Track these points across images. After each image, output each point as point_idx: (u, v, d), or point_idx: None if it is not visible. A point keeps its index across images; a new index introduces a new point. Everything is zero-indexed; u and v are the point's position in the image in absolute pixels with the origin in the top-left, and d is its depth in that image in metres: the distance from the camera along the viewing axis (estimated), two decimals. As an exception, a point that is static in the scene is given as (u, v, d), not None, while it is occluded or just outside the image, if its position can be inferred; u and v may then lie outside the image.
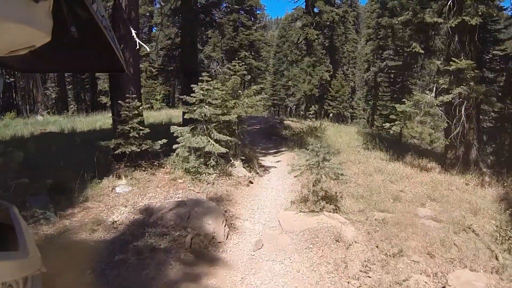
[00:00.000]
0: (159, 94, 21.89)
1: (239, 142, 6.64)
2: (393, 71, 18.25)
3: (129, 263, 3.30)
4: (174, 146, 5.93)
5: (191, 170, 5.66)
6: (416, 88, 16.10)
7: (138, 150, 5.53)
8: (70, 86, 26.97)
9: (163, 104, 21.69)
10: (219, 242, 3.92)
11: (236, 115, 6.32)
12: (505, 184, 7.10)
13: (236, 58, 8.35)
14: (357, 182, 6.35)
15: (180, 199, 4.79)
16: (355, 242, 3.97)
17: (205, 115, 5.79)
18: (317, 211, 4.61)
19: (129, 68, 5.89)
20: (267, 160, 8.14)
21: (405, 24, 9.31)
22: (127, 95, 5.59)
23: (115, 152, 5.48)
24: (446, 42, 9.00)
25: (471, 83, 7.73)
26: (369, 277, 3.36)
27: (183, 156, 5.83)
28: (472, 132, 8.55)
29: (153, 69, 21.26)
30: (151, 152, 5.84)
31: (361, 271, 3.42)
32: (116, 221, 4.16)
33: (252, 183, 6.22)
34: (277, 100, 32.00)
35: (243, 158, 6.77)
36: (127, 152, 5.46)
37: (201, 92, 5.83)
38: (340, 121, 21.46)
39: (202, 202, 4.54)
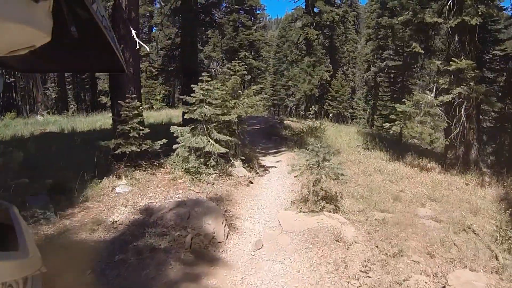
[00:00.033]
0: (159, 94, 21.89)
1: (239, 142, 6.64)
2: (393, 71, 18.25)
3: (129, 263, 3.30)
4: (174, 146, 5.93)
5: (191, 170, 5.66)
6: (416, 88, 16.10)
7: (138, 150, 5.53)
8: (70, 86, 26.97)
9: (163, 104, 21.69)
10: (219, 242, 3.92)
11: (236, 115, 6.32)
12: (505, 184, 7.10)
13: (236, 58, 8.35)
14: (357, 182, 6.35)
15: (180, 199, 4.79)
16: (355, 242, 3.97)
17: (205, 115, 5.79)
18: (317, 211, 4.61)
19: (129, 68, 5.89)
20: (267, 160, 8.14)
21: (405, 24, 9.31)
22: (127, 95, 5.59)
23: (115, 152, 5.48)
24: (446, 42, 9.00)
25: (471, 83, 7.73)
26: (369, 277, 3.36)
27: (183, 156, 5.83)
28: (472, 132, 8.55)
29: (153, 69, 21.26)
30: (151, 152, 5.84)
31: (361, 271, 3.42)
32: (116, 221, 4.16)
33: (252, 183, 6.22)
34: (277, 100, 32.00)
35: (243, 158, 6.77)
36: (127, 152, 5.46)
37: (201, 92, 5.83)
38: (340, 121, 21.46)
39: (202, 202, 4.54)
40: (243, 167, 6.52)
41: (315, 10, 20.54)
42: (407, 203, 5.58)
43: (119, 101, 5.60)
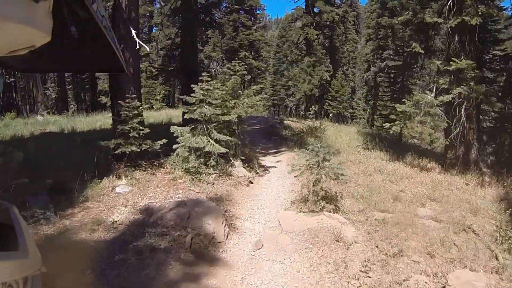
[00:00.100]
0: (159, 94, 21.89)
1: (239, 142, 6.64)
2: (393, 71, 18.25)
3: (129, 263, 3.30)
4: (174, 146, 5.93)
5: (191, 170, 5.66)
6: (416, 88, 16.10)
7: (138, 150, 5.53)
8: (70, 86, 26.98)
9: (163, 104, 21.69)
10: (219, 242, 3.91)
11: (236, 115, 6.32)
12: (505, 184, 7.10)
13: (236, 58, 8.35)
14: (357, 182, 6.35)
15: (180, 199, 4.79)
16: (355, 242, 3.97)
17: (205, 115, 5.79)
18: (317, 211, 4.61)
19: (129, 68, 5.89)
20: (267, 160, 8.14)
21: (405, 24, 9.31)
22: (127, 95, 5.59)
23: (115, 152, 5.48)
24: (446, 42, 9.00)
25: (471, 83, 7.73)
26: (369, 277, 3.36)
27: (183, 156, 5.83)
28: (472, 132, 8.55)
29: (153, 69, 21.27)
30: (151, 152, 5.84)
31: (361, 271, 3.42)
32: (116, 221, 4.16)
33: (252, 183, 6.22)
34: (277, 100, 32.01)
35: (243, 158, 6.77)
36: (127, 152, 5.46)
37: (201, 92, 5.83)
38: (340, 121, 21.46)
39: (202, 202, 4.54)
40: (243, 167, 6.52)
41: (315, 10, 20.54)
42: (407, 203, 5.58)
43: (119, 101, 5.60)
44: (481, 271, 3.71)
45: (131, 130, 5.49)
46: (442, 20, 8.22)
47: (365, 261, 3.57)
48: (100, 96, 22.90)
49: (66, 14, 1.05)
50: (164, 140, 5.83)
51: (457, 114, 8.10)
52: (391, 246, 3.94)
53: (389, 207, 5.29)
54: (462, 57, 7.88)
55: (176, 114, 13.91)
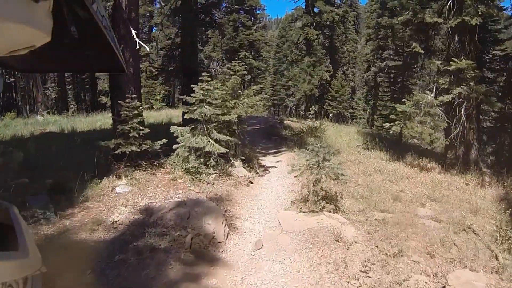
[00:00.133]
0: (159, 94, 21.89)
1: (239, 142, 6.64)
2: (393, 71, 18.25)
3: (129, 263, 3.30)
4: (174, 146, 5.93)
5: (191, 170, 5.66)
6: (416, 88, 16.10)
7: (138, 150, 5.53)
8: (70, 86, 26.98)
9: (163, 104, 21.69)
10: (219, 242, 3.91)
11: (236, 115, 6.32)
12: (505, 184, 7.10)
13: (236, 58, 8.34)
14: (357, 182, 6.35)
15: (180, 199, 4.79)
16: (355, 242, 3.97)
17: (205, 115, 5.79)
18: (317, 211, 4.61)
19: (129, 68, 5.89)
20: (267, 160, 8.14)
21: (405, 24, 9.31)
22: (127, 95, 5.59)
23: (115, 152, 5.48)
24: (446, 42, 9.00)
25: (471, 83, 7.73)
26: (369, 277, 3.36)
27: (183, 156, 5.83)
28: (472, 132, 8.55)
29: (153, 69, 21.27)
30: (151, 152, 5.84)
31: (361, 271, 3.42)
32: (116, 221, 4.16)
33: (252, 183, 6.22)
34: (277, 100, 32.00)
35: (243, 158, 6.77)
36: (127, 152, 5.46)
37: (201, 92, 5.83)
38: (340, 121, 21.46)
39: (202, 202, 4.54)
40: (243, 167, 6.52)
41: (315, 10, 20.54)
42: (407, 203, 5.58)
43: (119, 101, 5.60)
44: (481, 271, 3.71)
45: (131, 130, 5.49)
46: (442, 20, 8.22)
47: (365, 261, 3.57)
48: (100, 96, 22.91)
49: (66, 14, 1.05)
50: (164, 140, 5.83)
51: (457, 114, 8.10)
52: (391, 246, 3.94)
53: (389, 207, 5.29)
54: (462, 57, 7.88)
55: (176, 114, 13.91)
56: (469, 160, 8.52)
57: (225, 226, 4.12)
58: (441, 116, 8.32)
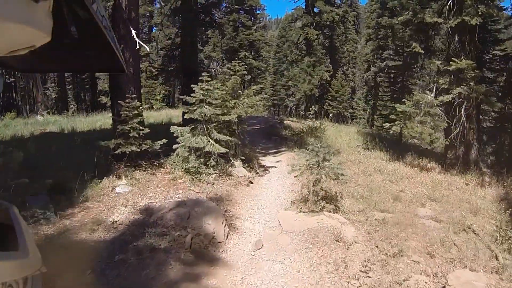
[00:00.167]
0: (159, 94, 21.89)
1: (239, 142, 6.64)
2: (393, 71, 18.25)
3: (129, 263, 3.30)
4: (174, 146, 5.93)
5: (191, 170, 5.66)
6: (416, 88, 16.10)
7: (138, 150, 5.53)
8: (70, 86, 26.98)
9: (163, 104, 21.69)
10: (219, 242, 3.91)
11: (236, 115, 6.32)
12: (505, 184, 7.10)
13: (236, 58, 8.33)
14: (357, 182, 6.35)
15: (180, 199, 4.79)
16: (355, 242, 3.97)
17: (205, 115, 5.79)
18: (317, 211, 4.61)
19: (129, 68, 5.89)
20: (267, 160, 8.14)
21: (405, 24, 9.31)
22: (127, 95, 5.59)
23: (115, 152, 5.48)
24: (446, 42, 9.00)
25: (471, 83, 7.72)
26: (369, 277, 3.36)
27: (183, 156, 5.83)
28: (472, 132, 8.55)
29: (153, 69, 21.27)
30: (151, 152, 5.84)
31: (361, 271, 3.42)
32: (116, 221, 4.16)
33: (252, 183, 6.22)
34: (277, 100, 32.00)
35: (243, 158, 6.77)
36: (127, 152, 5.46)
37: (201, 92, 5.83)
38: (340, 121, 21.47)
39: (202, 202, 4.54)
40: (243, 167, 6.52)
41: (315, 10, 20.53)
42: (407, 203, 5.58)
43: (119, 101, 5.60)
44: (481, 271, 3.70)
45: (131, 130, 5.49)
46: (442, 20, 8.22)
47: (365, 261, 3.56)
48: (100, 96, 22.91)
49: (66, 14, 1.05)
50: (164, 140, 5.83)
51: (457, 114, 8.10)
52: (391, 246, 3.93)
53: (389, 207, 5.29)
54: (462, 57, 7.87)
55: (176, 114, 13.91)
56: (469, 160, 8.52)
57: (225, 226, 4.12)
58: (441, 116, 8.32)
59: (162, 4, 12.24)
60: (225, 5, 21.88)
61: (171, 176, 5.60)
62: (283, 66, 29.63)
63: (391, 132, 9.64)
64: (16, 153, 5.86)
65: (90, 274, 3.16)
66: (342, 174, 4.79)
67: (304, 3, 20.94)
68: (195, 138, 5.73)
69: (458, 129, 8.08)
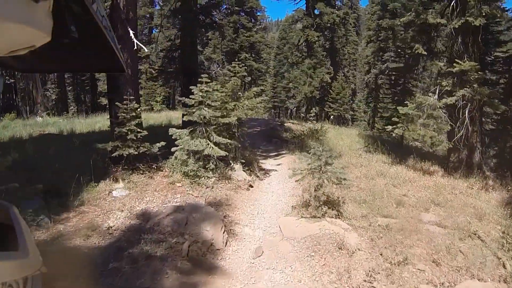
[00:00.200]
0: (159, 96, 21.83)
1: (239, 145, 6.52)
2: (394, 73, 18.18)
3: (123, 271, 3.17)
4: (173, 149, 5.81)
5: (190, 174, 5.54)
6: (417, 91, 16.01)
7: (136, 152, 5.42)
8: (70, 87, 26.96)
9: (163, 106, 21.63)
10: (218, 249, 3.78)
11: (236, 118, 6.21)
12: (509, 188, 6.97)
13: (237, 60, 8.22)
14: (359, 186, 6.21)
15: (178, 204, 4.67)
16: (359, 249, 3.83)
17: (204, 117, 5.68)
18: (319, 217, 4.48)
19: (127, 69, 5.79)
20: (267, 163, 8.02)
21: (408, 25, 9.22)
22: (124, 97, 5.49)
23: (112, 155, 5.37)
24: (447, 44, 8.92)
25: (474, 85, 7.61)
26: (373, 287, 3.23)
27: (181, 159, 5.72)
28: (476, 135, 8.44)
29: (153, 71, 21.22)
30: (149, 155, 5.74)
31: (365, 280, 3.29)
32: (111, 227, 4.04)
33: (252, 187, 6.09)
34: (278, 102, 31.92)
35: (243, 161, 6.65)
36: (125, 155, 5.35)
37: (200, 94, 5.72)
38: (340, 123, 21.37)
39: (200, 208, 4.41)
40: (243, 171, 6.40)
41: (316, 12, 20.47)
42: (411, 208, 5.45)
43: (117, 103, 5.50)
44: (488, 280, 3.57)
45: (129, 133, 5.39)
46: (445, 21, 8.12)
47: (369, 270, 3.43)
48: (100, 97, 22.87)
49: (66, 14, 1.06)
50: (163, 143, 5.72)
51: (461, 116, 7.98)
52: (395, 254, 3.80)
53: (392, 212, 5.15)
54: (465, 59, 7.77)
55: (176, 116, 13.83)
56: (473, 163, 8.39)
57: (224, 232, 3.99)
58: (444, 118, 8.20)
59: (161, 4, 12.17)
60: (225, 6, 21.84)
61: (170, 179, 5.49)
62: (284, 68, 29.59)
63: (393, 135, 9.51)
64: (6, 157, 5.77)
65: (83, 283, 3.04)
66: (345, 179, 4.67)
67: (305, 4, 20.90)
68: (194, 141, 5.62)
69: (461, 132, 7.96)
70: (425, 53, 8.75)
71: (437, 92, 8.31)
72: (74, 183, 4.75)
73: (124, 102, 5.44)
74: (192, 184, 5.41)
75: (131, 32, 5.46)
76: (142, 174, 5.61)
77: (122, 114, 5.43)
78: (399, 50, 16.62)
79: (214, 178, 5.66)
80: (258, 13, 26.42)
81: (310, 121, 12.73)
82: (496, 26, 10.55)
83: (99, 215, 4.39)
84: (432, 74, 13.27)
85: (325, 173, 4.60)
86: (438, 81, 8.65)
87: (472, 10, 7.57)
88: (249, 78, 22.87)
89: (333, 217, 4.53)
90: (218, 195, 5.26)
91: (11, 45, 0.98)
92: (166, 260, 3.38)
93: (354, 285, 3.23)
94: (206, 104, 5.75)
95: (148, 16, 23.69)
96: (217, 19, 12.20)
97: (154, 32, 24.26)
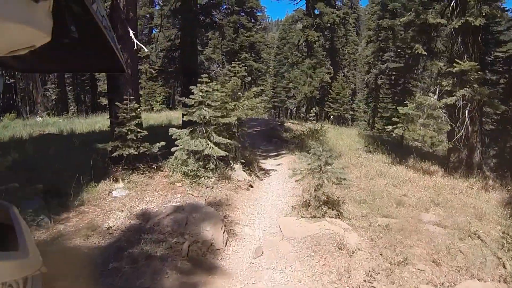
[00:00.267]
0: (159, 96, 21.83)
1: (239, 145, 6.52)
2: (394, 73, 18.18)
3: (123, 271, 3.17)
4: (173, 149, 5.81)
5: (190, 174, 5.54)
6: (417, 91, 16.01)
7: (136, 152, 5.42)
8: (70, 87, 26.95)
9: (164, 106, 21.63)
10: (218, 249, 3.78)
11: (236, 118, 6.20)
12: (509, 188, 6.97)
13: (237, 60, 8.22)
14: (359, 186, 6.21)
15: (178, 204, 4.67)
16: (359, 249, 3.83)
17: (204, 117, 5.68)
18: (319, 217, 4.48)
19: (127, 69, 5.79)
20: (267, 163, 8.02)
21: (408, 25, 9.22)
22: (124, 97, 5.49)
23: (112, 155, 5.37)
24: (447, 44, 8.92)
25: (474, 85, 7.61)
26: (373, 287, 3.23)
27: (181, 159, 5.71)
28: (476, 135, 8.43)
29: (153, 71, 21.22)
30: (149, 155, 5.73)
31: (365, 280, 3.28)
32: (111, 227, 4.04)
33: (252, 187, 6.09)
34: (278, 102, 31.92)
35: (243, 161, 6.65)
36: (125, 155, 5.35)
37: (200, 94, 5.72)
38: (340, 123, 21.37)
39: (200, 208, 4.41)
40: (243, 171, 6.40)
41: (316, 12, 20.46)
42: (411, 208, 5.45)
43: (117, 103, 5.49)
44: (488, 280, 3.57)
45: (129, 133, 5.39)
46: (445, 21, 8.12)
47: (369, 270, 3.43)
48: (100, 97, 22.87)
49: (66, 14, 1.07)
50: (163, 143, 5.72)
51: (461, 116, 7.97)
52: (395, 254, 3.80)
53: (392, 212, 5.15)
54: (465, 59, 7.77)
55: (176, 116, 13.82)
56: (473, 163, 8.39)
57: (224, 232, 3.99)
58: (444, 118, 8.20)
59: (161, 4, 12.17)
60: (225, 6, 21.84)
61: (170, 179, 5.49)
62: (284, 68, 29.59)
63: (393, 135, 9.51)
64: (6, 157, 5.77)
65: (83, 283, 3.04)
66: (345, 179, 4.66)
67: (305, 4, 20.89)
68: (194, 141, 5.61)
69: (461, 132, 7.96)
70: (425, 53, 8.74)
71: (437, 92, 8.31)
72: (74, 183, 4.75)
73: (124, 102, 5.44)
74: (192, 184, 5.41)
75: (131, 32, 5.46)
76: (142, 174, 5.61)
77: (122, 114, 5.43)
78: (399, 50, 16.62)
79: (214, 178, 5.66)
80: (258, 13, 26.44)
81: (310, 121, 12.72)
82: (496, 26, 10.55)
83: (99, 215, 4.39)
84: (432, 74, 13.26)
85: (325, 173, 4.60)
86: (438, 81, 8.64)
87: (472, 10, 7.57)
88: (249, 78, 22.87)
89: (333, 217, 4.53)
90: (218, 195, 5.26)
91: (11, 45, 0.98)
92: (166, 260, 3.38)
93: (354, 285, 3.23)
94: (206, 104, 5.75)
95: (148, 16, 23.70)
96: (217, 19, 12.19)
97: (154, 32, 24.27)
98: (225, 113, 6.09)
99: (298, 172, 4.90)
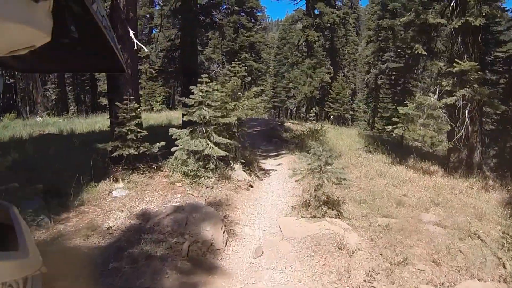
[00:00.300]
0: (160, 96, 21.83)
1: (239, 145, 6.52)
2: (394, 73, 18.18)
3: (123, 271, 3.17)
4: (173, 149, 5.81)
5: (190, 174, 5.54)
6: (417, 90, 16.01)
7: (136, 153, 5.42)
8: (70, 87, 26.95)
9: (164, 106, 21.63)
10: (218, 249, 3.78)
11: (236, 118, 6.20)
12: (509, 188, 6.97)
13: (237, 60, 8.22)
14: (359, 186, 6.21)
15: (178, 204, 4.67)
16: (359, 249, 3.83)
17: (204, 117, 5.68)
18: (319, 217, 4.48)
19: (127, 69, 5.79)
20: (267, 163, 8.02)
21: (408, 25, 9.22)
22: (124, 97, 5.49)
23: (112, 155, 5.37)
24: (447, 44, 8.92)
25: (474, 85, 7.61)
26: (373, 287, 3.23)
27: (181, 159, 5.71)
28: (476, 135, 8.43)
29: (153, 71, 21.22)
30: (149, 155, 5.73)
31: (365, 280, 3.29)
32: (111, 227, 4.04)
33: (252, 187, 6.09)
34: (278, 102, 31.92)
35: (243, 161, 6.65)
36: (125, 155, 5.35)
37: (200, 94, 5.72)
38: (340, 123, 21.37)
39: (200, 208, 4.41)
40: (243, 171, 6.40)
41: (316, 11, 20.46)
42: (411, 208, 5.45)
43: (117, 103, 5.50)
44: (488, 280, 3.57)
45: (129, 133, 5.39)
46: (445, 21, 8.12)
47: (369, 270, 3.43)
48: (100, 97, 22.87)
49: (66, 14, 1.07)
50: (163, 143, 5.72)
51: (461, 116, 7.97)
52: (395, 254, 3.80)
53: (392, 212, 5.15)
54: (465, 59, 7.77)
55: (176, 116, 13.83)
56: (473, 163, 8.39)
57: (224, 232, 3.99)
58: (444, 118, 8.20)
59: (161, 4, 12.17)
60: (225, 6, 21.84)
61: (170, 179, 5.49)
62: (284, 68, 29.59)
63: (393, 135, 9.51)
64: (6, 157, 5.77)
65: (83, 283, 3.04)
66: (345, 179, 4.66)
67: (305, 4, 20.89)
68: (194, 141, 5.61)
69: (461, 132, 7.96)
70: (425, 53, 8.74)
71: (437, 92, 8.31)
72: (74, 183, 4.75)
73: (124, 102, 5.44)
74: (192, 184, 5.41)
75: (131, 32, 5.46)
76: (142, 174, 5.61)
77: (122, 114, 5.43)
78: (399, 50, 16.63)
79: (214, 178, 5.66)
80: (258, 13, 26.44)
81: (310, 121, 12.72)
82: (496, 26, 10.55)
83: (99, 215, 4.39)
84: (432, 74, 13.26)
85: (325, 173, 4.60)
86: (438, 81, 8.64)
87: (472, 10, 7.57)
88: (249, 78, 22.87)
89: (333, 217, 4.53)
90: (218, 195, 5.26)
91: (11, 45, 0.98)
92: (166, 260, 3.38)
93: (354, 285, 3.23)
94: (206, 104, 5.75)
95: (148, 16, 23.69)
96: (217, 19, 12.19)
97: (154, 32, 24.27)
98: (225, 113, 6.09)
99: (298, 172, 4.90)
